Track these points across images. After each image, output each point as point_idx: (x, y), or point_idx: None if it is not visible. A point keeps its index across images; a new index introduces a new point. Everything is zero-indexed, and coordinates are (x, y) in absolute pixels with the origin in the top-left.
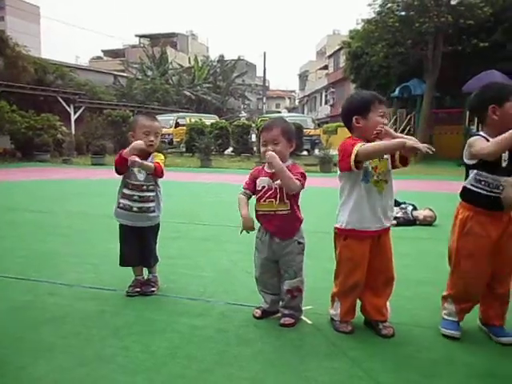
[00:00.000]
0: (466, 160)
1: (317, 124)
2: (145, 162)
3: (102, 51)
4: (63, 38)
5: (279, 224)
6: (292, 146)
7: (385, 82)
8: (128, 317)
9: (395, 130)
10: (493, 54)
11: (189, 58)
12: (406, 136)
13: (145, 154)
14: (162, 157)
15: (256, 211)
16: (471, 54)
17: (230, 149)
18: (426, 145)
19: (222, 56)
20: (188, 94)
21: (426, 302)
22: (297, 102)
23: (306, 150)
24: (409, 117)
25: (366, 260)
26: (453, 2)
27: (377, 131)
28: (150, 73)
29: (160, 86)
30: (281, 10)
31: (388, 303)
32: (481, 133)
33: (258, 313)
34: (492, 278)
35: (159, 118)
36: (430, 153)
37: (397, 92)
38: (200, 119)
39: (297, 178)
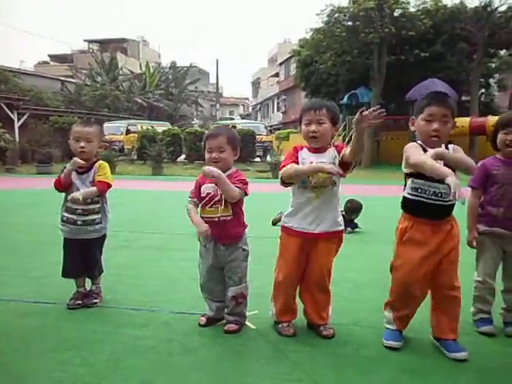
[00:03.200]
0: (403, 168)
1: (269, 130)
2: (87, 192)
3: (49, 56)
4: (5, 42)
5: (224, 229)
6: (236, 154)
7: (334, 89)
8: (69, 330)
9: (344, 136)
10: (434, 64)
11: (140, 65)
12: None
13: (87, 164)
14: (107, 169)
15: (201, 217)
16: (414, 63)
17: (183, 156)
18: (335, 168)
19: (174, 62)
20: (139, 100)
21: (367, 302)
22: (250, 108)
23: (259, 156)
24: None
25: (296, 260)
26: (396, 14)
27: (308, 141)
28: (99, 79)
29: (110, 93)
30: (233, 18)
31: (329, 307)
32: (418, 141)
33: (203, 320)
34: (439, 288)
35: (109, 124)
36: (337, 175)
37: (345, 99)
38: (152, 126)
39: (237, 186)
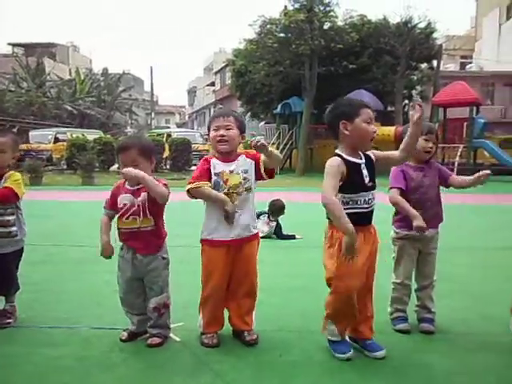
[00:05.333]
0: None
1: (205, 139)
2: None
3: None
4: None
5: (143, 240)
6: (153, 162)
7: (268, 99)
8: None
9: (278, 145)
10: (361, 75)
11: (69, 70)
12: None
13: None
14: (18, 176)
15: (118, 229)
16: (343, 74)
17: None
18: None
19: (106, 69)
20: (69, 108)
21: (293, 307)
22: (187, 117)
23: (195, 165)
24: (290, 132)
25: (222, 269)
26: (325, 27)
27: (217, 146)
28: (24, 84)
29: (36, 99)
30: (168, 26)
31: (253, 312)
32: (337, 150)
33: (125, 335)
34: (364, 292)
35: (35, 133)
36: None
37: (279, 109)
38: (83, 134)
39: (165, 184)
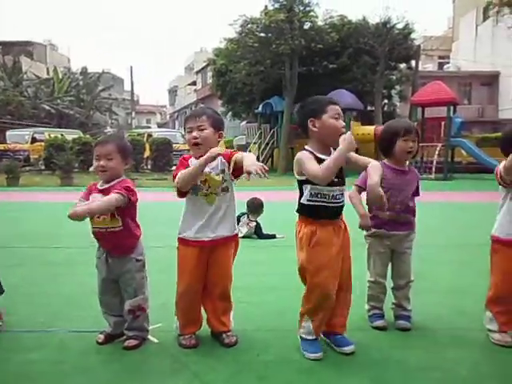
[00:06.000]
0: (296, 176)
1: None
2: None
3: None
4: None
5: (113, 241)
6: (127, 164)
7: (249, 98)
8: None
9: (260, 144)
10: (341, 75)
11: (47, 69)
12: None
13: None
14: None
15: (92, 228)
16: (323, 74)
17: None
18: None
19: (85, 68)
20: (47, 107)
21: (273, 305)
22: (168, 117)
23: (175, 165)
24: (272, 131)
25: (195, 269)
26: (305, 27)
27: (192, 149)
28: (1, 83)
29: (13, 99)
30: (149, 25)
31: (231, 313)
32: (306, 147)
33: (101, 338)
34: (338, 286)
35: (12, 132)
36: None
37: (260, 108)
38: (61, 134)
39: (118, 192)
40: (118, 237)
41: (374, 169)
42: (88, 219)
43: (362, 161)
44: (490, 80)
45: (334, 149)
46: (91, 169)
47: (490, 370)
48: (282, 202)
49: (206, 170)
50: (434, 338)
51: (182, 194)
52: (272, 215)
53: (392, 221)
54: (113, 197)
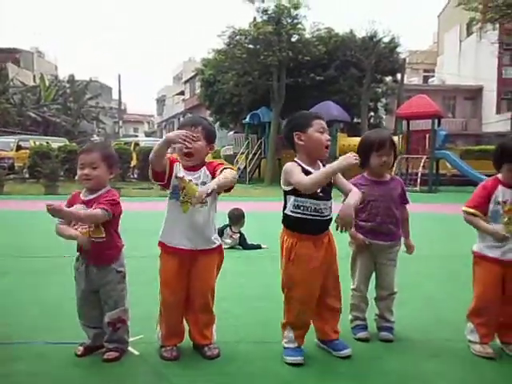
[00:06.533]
0: (283, 186)
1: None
2: None
3: None
4: None
5: (95, 252)
6: (112, 173)
7: (237, 109)
8: None
9: (248, 154)
10: (328, 87)
11: (34, 77)
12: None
13: None
14: None
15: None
16: (310, 86)
17: None
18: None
19: (72, 76)
20: (33, 115)
21: (257, 317)
22: (155, 126)
23: None
24: (259, 142)
25: (175, 277)
26: (293, 39)
27: (182, 158)
28: None
29: None
30: (137, 34)
31: (214, 326)
32: (295, 159)
33: (80, 350)
34: (325, 294)
35: None
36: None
37: (248, 119)
38: (47, 142)
39: (102, 208)
40: (101, 247)
41: (354, 194)
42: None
43: (346, 186)
44: (474, 94)
45: (321, 161)
46: (76, 177)
47: (469, 381)
48: (267, 212)
49: (188, 177)
50: (415, 348)
51: (154, 174)
52: (258, 226)
53: (373, 230)
54: (97, 212)
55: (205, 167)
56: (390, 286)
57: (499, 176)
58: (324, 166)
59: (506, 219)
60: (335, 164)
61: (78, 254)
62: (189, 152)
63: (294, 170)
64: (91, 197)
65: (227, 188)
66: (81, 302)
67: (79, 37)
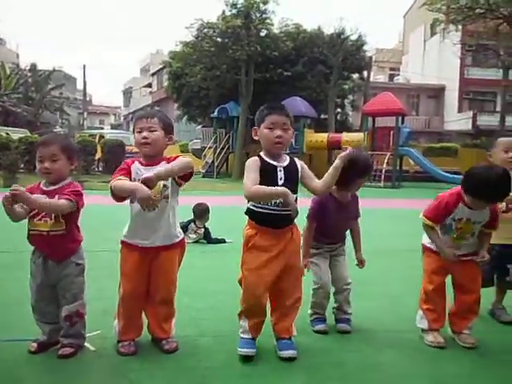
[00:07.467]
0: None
1: None
2: None
3: None
4: None
5: (54, 245)
6: (73, 164)
7: (205, 102)
8: None
9: (216, 149)
10: (296, 83)
11: None
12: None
13: None
14: None
15: (28, 231)
16: (278, 81)
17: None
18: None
19: (34, 65)
20: None
21: (218, 311)
22: (122, 118)
23: None
24: (227, 136)
25: (135, 273)
26: (261, 34)
27: (140, 148)
28: None
29: None
30: (103, 24)
31: (173, 320)
32: (260, 152)
33: (34, 347)
34: (283, 292)
35: None
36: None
37: (216, 113)
38: (7, 133)
39: (67, 198)
40: (59, 241)
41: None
42: (26, 221)
43: (311, 180)
44: (437, 93)
45: (292, 158)
46: (37, 170)
47: (421, 371)
48: (234, 206)
49: (147, 173)
50: (371, 340)
51: (117, 198)
52: (224, 220)
53: (328, 240)
54: (63, 202)
55: (164, 162)
56: (345, 278)
57: (462, 192)
58: (291, 160)
59: (455, 235)
60: (282, 191)
61: (33, 247)
62: (146, 142)
63: (249, 170)
64: (52, 188)
65: (183, 174)
66: (36, 296)
67: (42, 25)
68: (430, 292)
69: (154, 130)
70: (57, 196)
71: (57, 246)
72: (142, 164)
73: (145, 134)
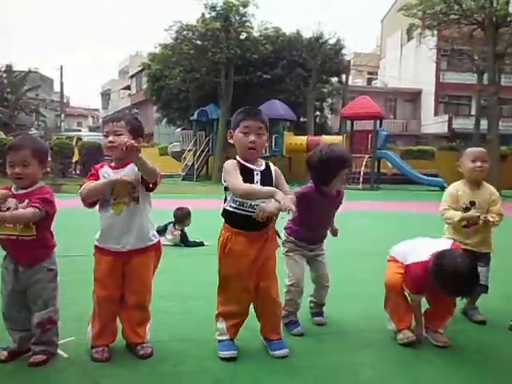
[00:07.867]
0: (223, 182)
1: None
2: None
3: None
4: None
5: (24, 250)
6: (45, 167)
7: (185, 105)
8: None
9: (195, 152)
10: (275, 86)
11: None
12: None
13: None
14: None
15: None
16: (258, 84)
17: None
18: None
19: (9, 66)
20: None
21: (192, 315)
22: (100, 121)
23: None
24: (207, 139)
25: (108, 278)
26: (241, 37)
27: (108, 152)
28: None
29: None
30: (81, 23)
31: (147, 324)
32: (236, 156)
33: (4, 355)
34: (263, 295)
35: None
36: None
37: (195, 115)
38: None
39: (35, 206)
40: (29, 246)
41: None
42: None
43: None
44: (414, 97)
45: (267, 162)
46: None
47: (394, 369)
48: (212, 209)
49: (116, 176)
50: (346, 340)
51: (88, 204)
52: (202, 222)
53: (310, 238)
54: (29, 212)
55: (133, 164)
56: (326, 276)
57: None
58: (267, 165)
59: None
60: (275, 192)
61: (5, 252)
62: (111, 146)
63: (231, 170)
64: (23, 191)
65: (149, 184)
66: (8, 303)
67: (18, 25)
68: (391, 294)
69: (120, 133)
70: (26, 200)
71: (27, 250)
72: (110, 167)
73: (111, 138)
